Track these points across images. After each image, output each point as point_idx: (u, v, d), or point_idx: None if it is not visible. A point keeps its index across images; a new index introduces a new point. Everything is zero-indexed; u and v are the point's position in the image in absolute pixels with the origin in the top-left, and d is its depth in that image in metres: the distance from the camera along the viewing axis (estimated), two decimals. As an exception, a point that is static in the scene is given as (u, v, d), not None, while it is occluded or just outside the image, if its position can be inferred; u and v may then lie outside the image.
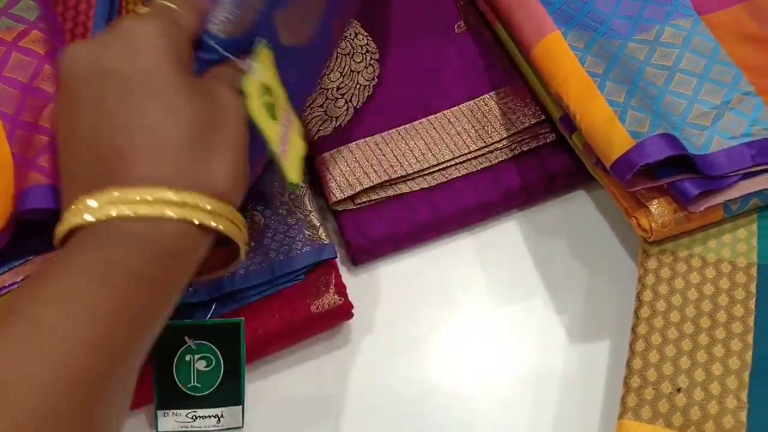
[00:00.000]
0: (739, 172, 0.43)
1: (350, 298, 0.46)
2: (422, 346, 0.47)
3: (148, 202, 0.29)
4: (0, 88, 0.38)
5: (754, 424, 0.38)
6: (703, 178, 0.42)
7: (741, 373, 0.39)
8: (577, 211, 0.51)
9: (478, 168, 0.50)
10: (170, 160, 0.31)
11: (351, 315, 0.46)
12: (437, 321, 0.48)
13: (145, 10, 0.36)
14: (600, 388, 0.44)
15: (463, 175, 0.50)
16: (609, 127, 0.43)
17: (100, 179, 0.30)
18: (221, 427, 0.43)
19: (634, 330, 0.42)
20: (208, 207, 0.31)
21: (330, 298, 0.46)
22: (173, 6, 0.34)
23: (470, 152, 0.50)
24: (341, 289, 0.46)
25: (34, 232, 0.37)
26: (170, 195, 0.30)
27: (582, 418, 0.44)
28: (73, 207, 0.30)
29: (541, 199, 0.51)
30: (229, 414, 0.43)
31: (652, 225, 0.43)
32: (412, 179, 0.50)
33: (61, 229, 0.31)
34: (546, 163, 0.50)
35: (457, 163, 0.50)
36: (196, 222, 0.31)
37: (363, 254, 0.49)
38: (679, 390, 0.39)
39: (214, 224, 0.31)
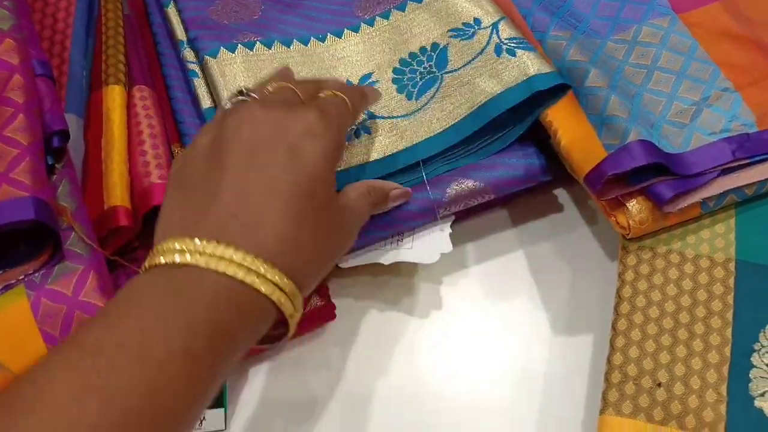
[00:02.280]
0: (719, 168, 0.43)
1: (333, 299, 0.46)
2: (406, 346, 0.47)
3: (246, 268, 0.31)
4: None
5: (733, 416, 0.38)
6: (678, 178, 0.42)
7: (720, 367, 0.39)
8: (557, 207, 0.51)
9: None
10: (281, 245, 0.32)
11: (334, 316, 0.46)
12: (421, 321, 0.48)
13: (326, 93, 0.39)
14: (583, 384, 0.44)
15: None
16: (586, 143, 0.44)
17: (214, 229, 0.32)
18: (203, 430, 0.43)
19: (614, 326, 0.42)
20: (288, 292, 0.32)
21: (312, 301, 0.46)
22: (347, 99, 0.38)
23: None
24: (323, 291, 0.46)
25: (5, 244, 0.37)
26: (265, 268, 0.31)
27: (565, 414, 0.44)
28: (177, 244, 0.31)
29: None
30: (211, 417, 0.43)
31: (630, 222, 0.43)
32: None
33: (152, 261, 0.31)
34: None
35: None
36: (276, 301, 0.32)
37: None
38: (659, 385, 0.39)
39: (289, 310, 0.33)
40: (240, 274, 0.31)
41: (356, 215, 0.39)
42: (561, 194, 0.52)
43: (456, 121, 0.46)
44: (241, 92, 0.38)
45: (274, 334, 0.36)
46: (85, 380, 0.27)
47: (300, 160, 0.34)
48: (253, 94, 0.37)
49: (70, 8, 0.50)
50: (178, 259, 0.30)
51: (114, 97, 0.49)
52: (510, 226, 0.51)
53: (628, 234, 0.44)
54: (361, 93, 0.43)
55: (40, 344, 0.36)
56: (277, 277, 0.32)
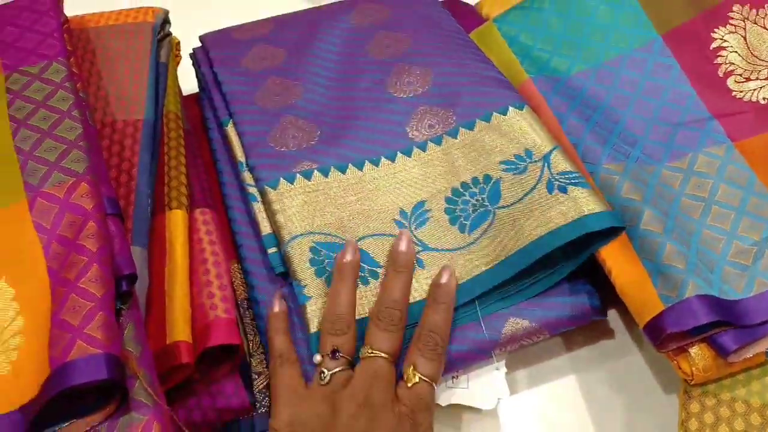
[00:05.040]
0: (782, 317, 0.42)
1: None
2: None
3: None
4: (54, 247, 0.39)
5: None
6: (741, 328, 0.42)
7: None
8: (609, 332, 0.51)
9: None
10: None
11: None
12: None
13: None
14: None
15: None
16: (641, 290, 0.44)
17: None
18: None
19: (678, 481, 0.41)
20: None
21: None
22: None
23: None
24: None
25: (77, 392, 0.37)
26: None
27: None
28: None
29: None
30: None
31: (693, 369, 0.42)
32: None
33: None
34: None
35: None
36: None
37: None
38: None
39: None
40: None
41: None
42: (612, 316, 0.52)
43: (506, 256, 0.46)
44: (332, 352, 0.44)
45: None
46: None
47: None
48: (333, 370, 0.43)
49: (136, 134, 0.52)
50: None
51: (177, 222, 0.50)
52: (563, 351, 0.51)
53: (691, 380, 0.43)
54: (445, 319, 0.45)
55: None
56: None
